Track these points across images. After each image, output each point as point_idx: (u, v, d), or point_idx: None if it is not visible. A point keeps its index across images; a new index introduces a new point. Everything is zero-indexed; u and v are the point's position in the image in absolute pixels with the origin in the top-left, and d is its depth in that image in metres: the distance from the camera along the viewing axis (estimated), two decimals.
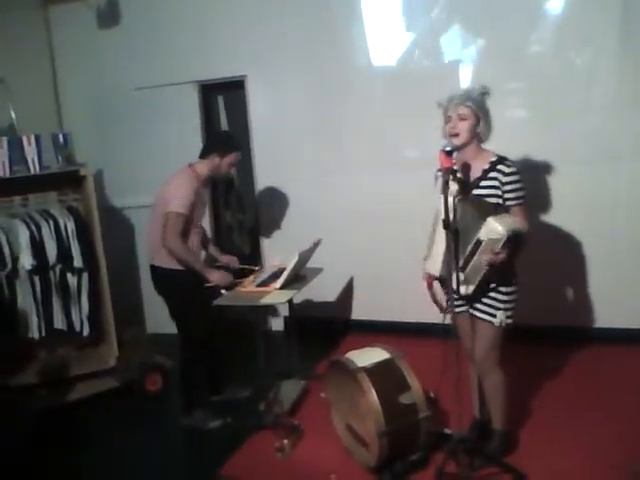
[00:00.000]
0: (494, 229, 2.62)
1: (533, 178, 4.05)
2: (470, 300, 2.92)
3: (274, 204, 5.14)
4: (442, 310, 3.06)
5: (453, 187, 2.73)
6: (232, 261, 4.04)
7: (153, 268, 3.75)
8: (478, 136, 2.83)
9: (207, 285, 3.66)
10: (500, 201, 2.78)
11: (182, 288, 3.67)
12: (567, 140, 4.20)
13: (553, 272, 4.35)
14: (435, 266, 2.92)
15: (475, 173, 2.83)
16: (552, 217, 4.32)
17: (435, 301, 3.09)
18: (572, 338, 4.38)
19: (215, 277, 3.66)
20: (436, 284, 3.07)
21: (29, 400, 4.04)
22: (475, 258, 2.71)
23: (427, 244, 2.97)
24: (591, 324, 4.42)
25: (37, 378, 4.19)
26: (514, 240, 2.66)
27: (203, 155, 3.72)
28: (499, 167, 2.78)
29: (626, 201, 4.19)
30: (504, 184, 2.76)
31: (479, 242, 2.67)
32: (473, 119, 2.78)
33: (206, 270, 3.67)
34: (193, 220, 3.65)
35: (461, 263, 2.76)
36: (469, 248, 2.72)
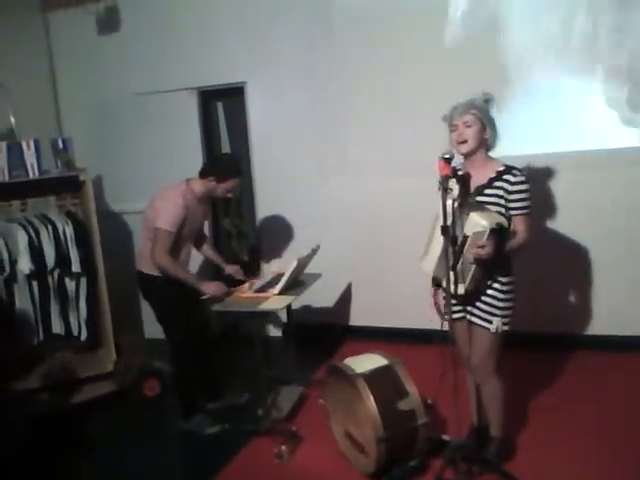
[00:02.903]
0: (477, 222, 2.65)
1: (532, 183, 4.07)
2: (466, 301, 2.92)
3: (273, 210, 5.14)
4: (442, 316, 3.06)
5: (455, 189, 2.76)
6: (236, 272, 4.04)
7: (139, 274, 3.78)
8: (485, 144, 2.85)
9: (203, 297, 3.66)
10: (503, 210, 2.80)
11: (163, 293, 3.70)
12: (566, 145, 4.21)
13: (550, 279, 4.36)
14: (430, 265, 2.94)
15: (481, 181, 2.85)
16: (550, 223, 4.34)
17: (438, 310, 3.08)
18: (571, 345, 4.39)
19: (210, 289, 3.66)
20: (440, 293, 3.07)
21: (27, 404, 4.02)
22: (463, 255, 2.73)
23: (425, 245, 2.99)
24: (589, 331, 4.42)
25: (35, 382, 4.17)
26: (498, 233, 2.67)
27: (201, 175, 3.72)
28: (506, 177, 2.80)
29: (626, 206, 4.20)
30: (510, 193, 2.78)
31: (465, 238, 2.70)
32: (478, 125, 2.81)
33: (199, 283, 3.67)
34: (183, 236, 3.67)
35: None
36: (458, 247, 2.74)
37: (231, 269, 4.05)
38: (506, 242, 2.76)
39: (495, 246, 2.67)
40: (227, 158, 4.21)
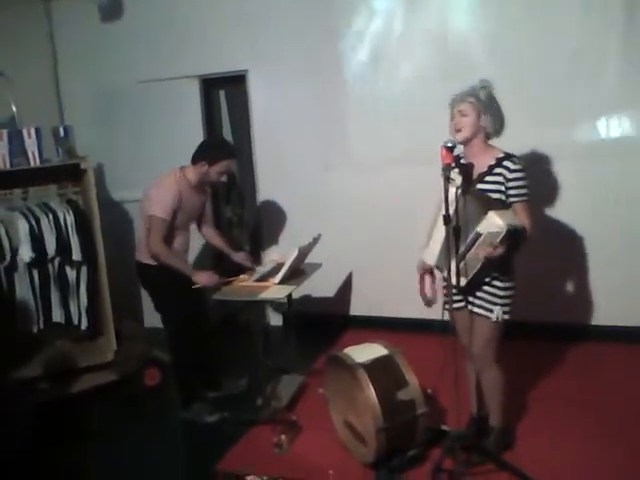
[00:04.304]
0: (494, 223, 2.63)
1: (534, 174, 4.06)
2: (466, 292, 2.92)
3: (275, 199, 5.13)
4: (427, 304, 3.11)
5: (457, 179, 2.75)
6: (245, 259, 4.02)
7: (137, 263, 3.80)
8: (483, 131, 2.84)
9: (194, 287, 3.66)
10: (503, 197, 2.79)
11: (159, 282, 3.71)
12: (568, 136, 4.20)
13: (551, 269, 4.36)
14: (432, 255, 2.94)
15: (480, 168, 2.84)
16: (552, 213, 4.32)
17: (422, 294, 3.11)
18: (570, 335, 4.39)
19: (201, 279, 3.65)
20: (427, 278, 3.09)
21: (28, 393, 4.03)
22: (472, 251, 2.72)
23: (427, 233, 2.98)
24: (590, 321, 4.42)
25: (35, 371, 4.18)
26: (513, 236, 2.66)
27: (193, 161, 3.70)
28: (505, 163, 2.79)
29: (626, 198, 4.18)
30: (508, 180, 2.77)
31: (478, 235, 2.69)
32: (474, 114, 2.80)
33: (192, 272, 3.67)
34: (177, 224, 3.67)
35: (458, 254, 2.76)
36: (467, 240, 2.73)
37: (239, 257, 4.03)
38: (519, 244, 2.75)
39: (507, 247, 2.67)
40: (217, 140, 4.17)
